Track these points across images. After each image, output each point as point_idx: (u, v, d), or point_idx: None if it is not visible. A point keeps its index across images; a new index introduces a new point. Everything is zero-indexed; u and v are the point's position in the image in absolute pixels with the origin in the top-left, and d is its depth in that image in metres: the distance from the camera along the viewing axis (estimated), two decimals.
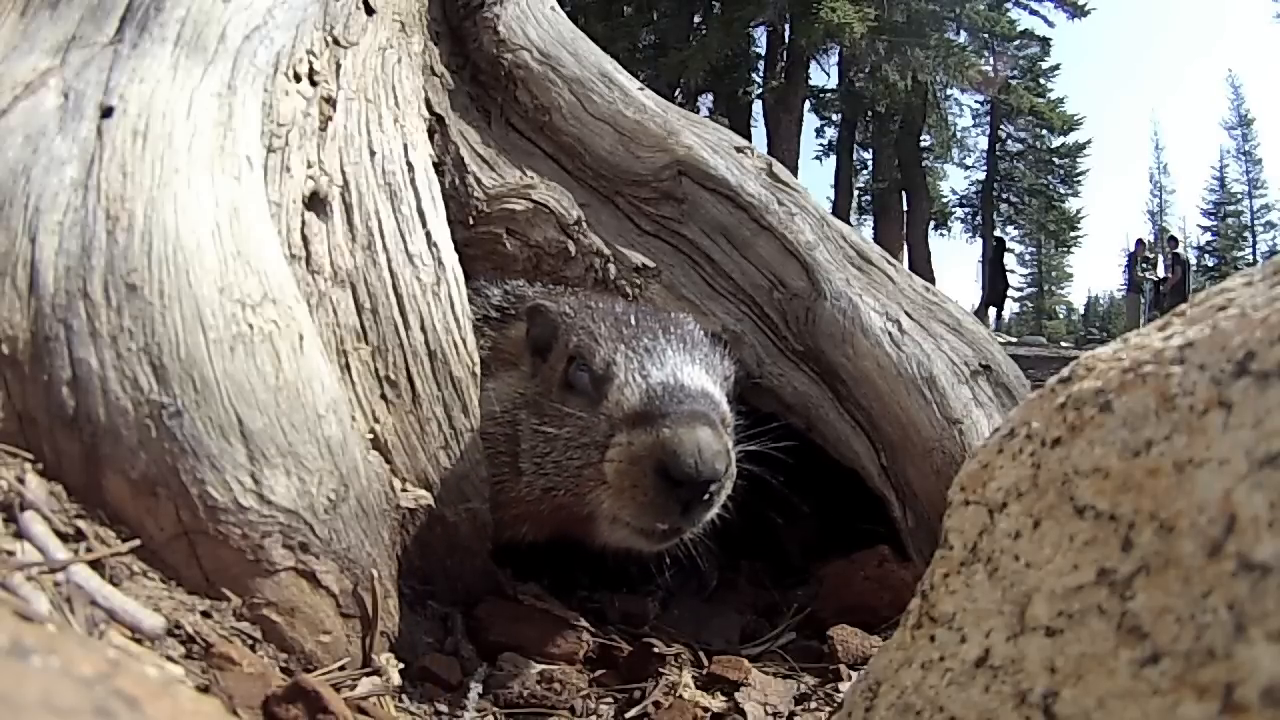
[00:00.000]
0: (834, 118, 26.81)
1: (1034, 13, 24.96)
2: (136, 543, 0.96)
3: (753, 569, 1.91)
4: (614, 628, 1.47)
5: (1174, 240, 16.99)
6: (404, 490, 1.25)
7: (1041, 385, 0.77)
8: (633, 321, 1.39)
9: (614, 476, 1.20)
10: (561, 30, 1.94)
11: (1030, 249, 35.39)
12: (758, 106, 23.58)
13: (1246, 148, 36.39)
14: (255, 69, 1.28)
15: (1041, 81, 26.82)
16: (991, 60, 25.11)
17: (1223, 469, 0.55)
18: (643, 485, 1.17)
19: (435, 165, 1.61)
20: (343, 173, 1.38)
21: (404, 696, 1.10)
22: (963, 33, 24.32)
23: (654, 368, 1.27)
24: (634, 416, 1.21)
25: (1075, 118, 27.29)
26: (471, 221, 1.71)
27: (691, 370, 1.29)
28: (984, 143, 28.93)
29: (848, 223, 2.04)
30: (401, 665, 1.12)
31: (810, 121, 26.15)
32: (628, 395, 1.24)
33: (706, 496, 1.17)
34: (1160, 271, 15.68)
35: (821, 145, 27.66)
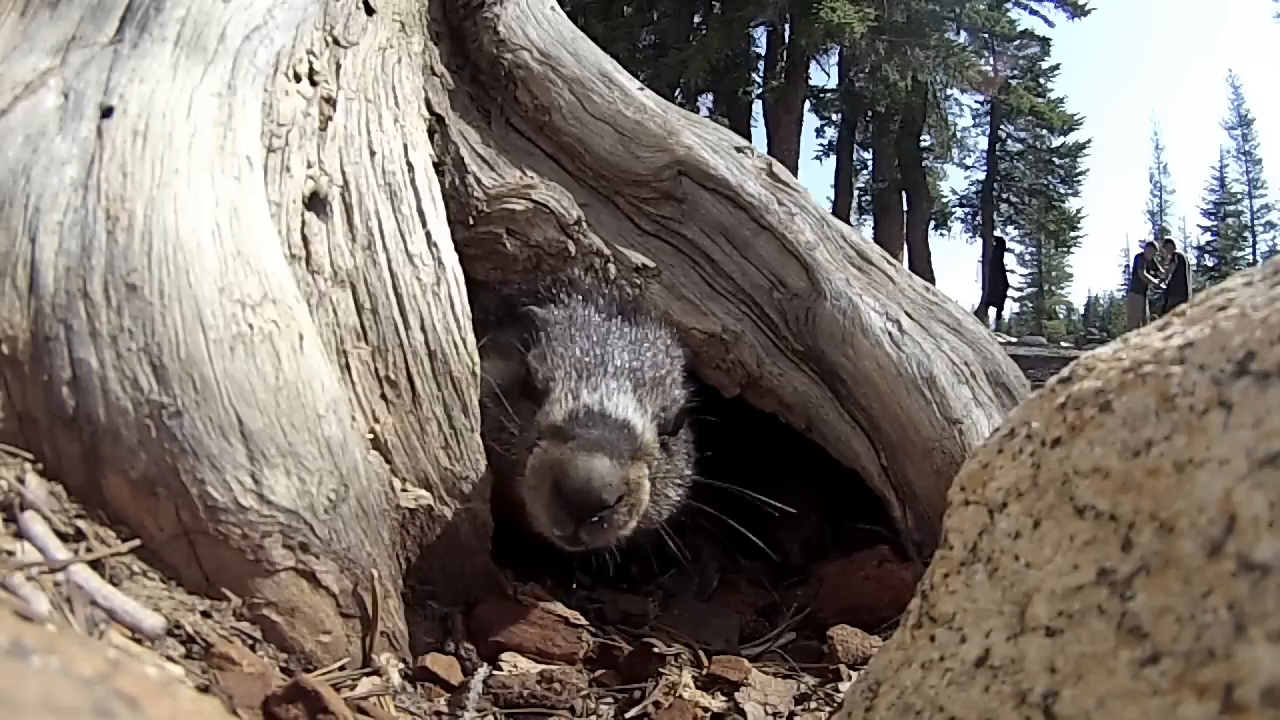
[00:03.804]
0: (834, 118, 26.84)
1: (1034, 13, 25.02)
2: (136, 543, 0.96)
3: (753, 569, 1.91)
4: (614, 628, 1.47)
5: (1170, 243, 16.97)
6: (404, 490, 1.25)
7: (1041, 385, 0.77)
8: (589, 342, 1.51)
9: (528, 477, 1.32)
10: (561, 30, 1.94)
11: (1030, 249, 35.45)
12: (758, 106, 23.62)
13: (1246, 148, 36.47)
14: (255, 69, 1.29)
15: (1041, 81, 26.85)
16: (991, 60, 25.14)
17: (1223, 469, 0.55)
18: (543, 492, 1.28)
19: (435, 165, 1.61)
20: (343, 173, 1.38)
21: (404, 696, 1.10)
22: (963, 33, 24.36)
23: (585, 389, 1.41)
24: (553, 430, 1.34)
25: (1075, 118, 27.34)
26: (471, 221, 1.71)
27: (620, 400, 1.41)
28: (984, 143, 29.00)
29: (848, 223, 2.03)
30: (401, 665, 1.13)
31: (810, 121, 26.22)
32: (555, 411, 1.38)
33: (596, 519, 1.27)
34: (1161, 271, 15.66)
35: (821, 145, 27.73)
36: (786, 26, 21.88)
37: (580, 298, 1.65)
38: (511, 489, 1.39)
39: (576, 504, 1.25)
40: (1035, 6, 24.88)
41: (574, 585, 1.60)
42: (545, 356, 1.48)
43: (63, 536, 0.91)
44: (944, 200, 29.75)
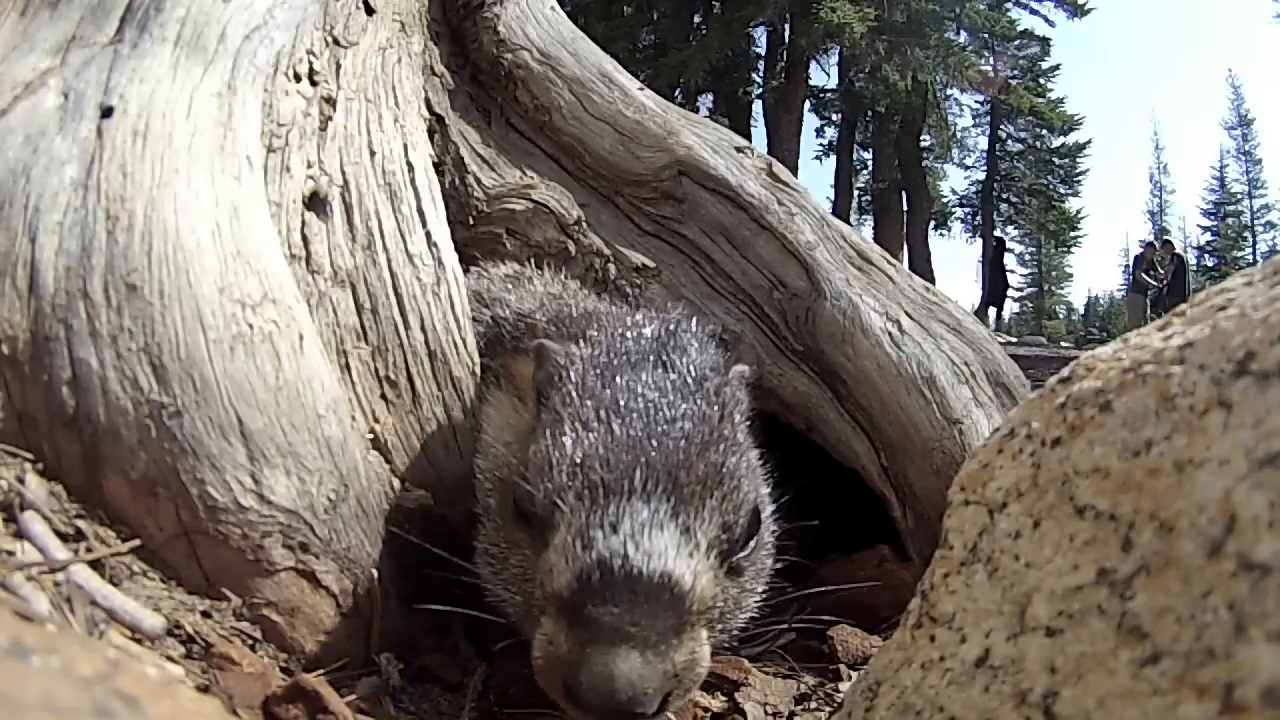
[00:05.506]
0: (834, 118, 26.87)
1: (1034, 13, 25.06)
2: (136, 543, 0.96)
3: None
4: None
5: (1169, 244, 16.98)
6: (404, 490, 1.25)
7: (1041, 385, 0.77)
8: (609, 422, 1.05)
9: (536, 669, 0.99)
10: (561, 30, 1.94)
11: (1030, 249, 35.48)
12: (758, 106, 23.66)
13: (1246, 148, 36.49)
14: (255, 69, 1.29)
15: (1041, 81, 26.89)
16: (991, 60, 25.18)
17: (1223, 469, 0.55)
18: (558, 695, 0.95)
19: (435, 165, 1.61)
20: (343, 173, 1.38)
21: (404, 696, 1.10)
22: (963, 33, 24.40)
23: (601, 532, 0.95)
24: (560, 602, 0.95)
25: (1075, 118, 27.39)
26: (471, 221, 1.71)
27: (654, 539, 0.96)
28: (984, 143, 29.05)
29: (848, 223, 2.04)
30: (401, 665, 1.13)
31: (810, 121, 26.27)
32: (559, 569, 0.96)
33: None
34: (1160, 272, 15.67)
35: (821, 145, 27.76)
36: (786, 26, 21.92)
37: (606, 324, 1.24)
38: (515, 624, 1.11)
39: (598, 719, 0.90)
40: (1035, 6, 24.94)
41: None
42: (546, 462, 1.03)
43: (63, 536, 0.91)
44: (944, 200, 29.80)
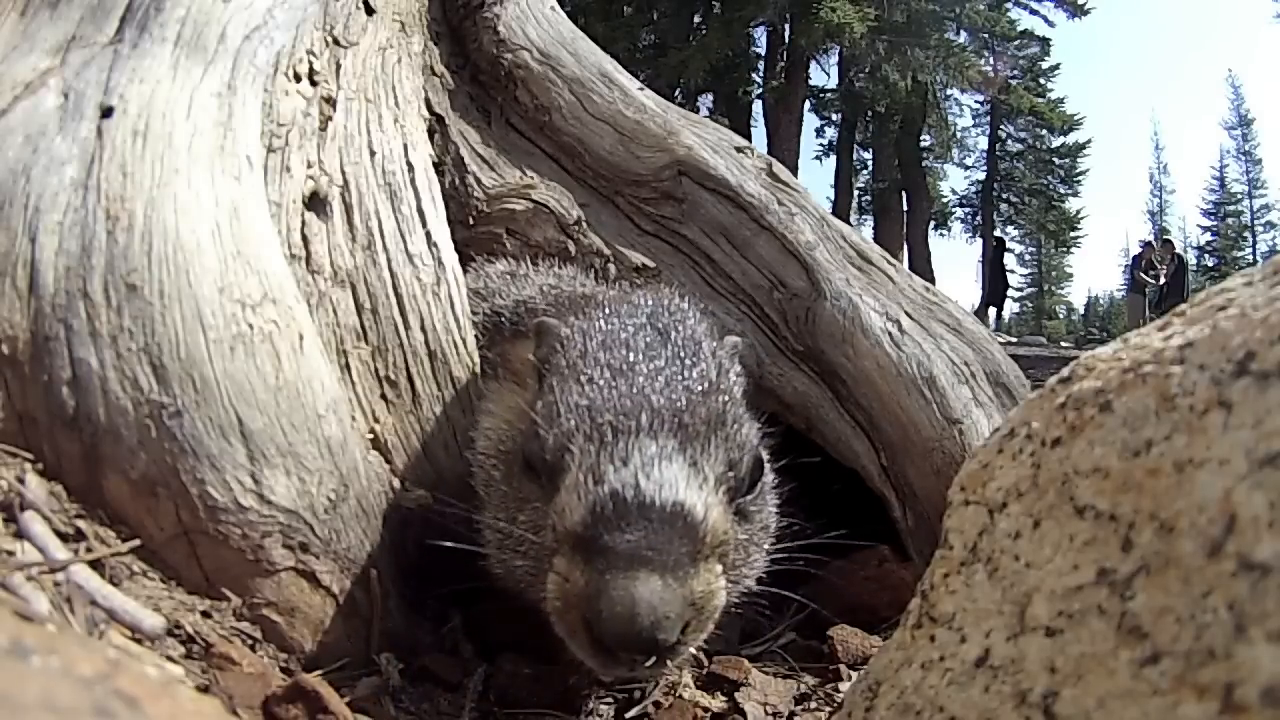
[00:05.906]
0: (834, 118, 26.88)
1: (1034, 13, 25.07)
2: (136, 543, 0.96)
3: None
4: None
5: (1169, 244, 16.97)
6: (404, 490, 1.25)
7: (1041, 385, 0.77)
8: (611, 375, 1.08)
9: (552, 612, 0.99)
10: (561, 30, 1.94)
11: (1030, 249, 35.48)
12: (758, 106, 23.67)
13: (1246, 148, 36.47)
14: (255, 69, 1.29)
15: (1041, 81, 26.89)
16: (991, 60, 25.18)
17: (1223, 469, 0.55)
18: (578, 636, 0.95)
19: (435, 165, 1.61)
20: (343, 173, 1.38)
21: (404, 696, 1.10)
22: (963, 33, 24.41)
23: (612, 466, 0.98)
24: (574, 539, 0.96)
25: (1075, 118, 27.38)
26: (471, 221, 1.72)
27: (664, 470, 0.98)
28: (984, 143, 29.05)
29: (848, 223, 2.04)
30: (401, 665, 1.13)
31: (810, 121, 26.27)
32: (572, 506, 0.97)
33: (652, 660, 0.90)
34: (1158, 270, 15.67)
35: (821, 145, 27.76)
36: (786, 26, 21.93)
37: (603, 301, 1.27)
38: (525, 593, 1.10)
39: (620, 649, 0.90)
40: (1035, 6, 24.95)
41: None
42: (554, 410, 1.06)
43: (63, 536, 0.91)
44: (944, 200, 29.80)
